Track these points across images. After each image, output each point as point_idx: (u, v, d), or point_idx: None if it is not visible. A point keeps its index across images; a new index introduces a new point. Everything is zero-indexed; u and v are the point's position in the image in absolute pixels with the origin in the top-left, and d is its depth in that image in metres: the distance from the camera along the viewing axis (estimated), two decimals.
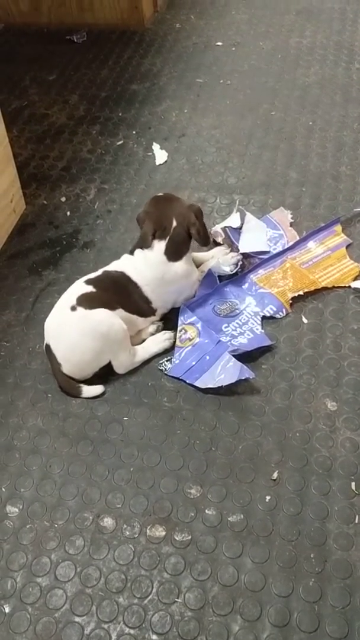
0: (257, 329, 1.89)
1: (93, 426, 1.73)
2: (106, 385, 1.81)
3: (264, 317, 1.93)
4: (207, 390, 1.75)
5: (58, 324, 1.79)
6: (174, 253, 1.85)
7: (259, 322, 1.91)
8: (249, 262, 2.07)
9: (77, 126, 2.80)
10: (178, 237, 1.85)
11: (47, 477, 1.63)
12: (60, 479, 1.62)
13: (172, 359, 1.83)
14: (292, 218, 2.23)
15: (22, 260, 2.22)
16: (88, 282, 1.83)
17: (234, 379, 1.72)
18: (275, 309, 1.94)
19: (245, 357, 1.81)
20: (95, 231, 2.30)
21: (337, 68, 3.01)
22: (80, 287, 1.82)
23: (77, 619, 1.39)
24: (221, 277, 2.02)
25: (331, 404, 1.72)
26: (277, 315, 1.93)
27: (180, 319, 1.90)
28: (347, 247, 2.13)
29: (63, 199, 2.45)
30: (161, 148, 2.62)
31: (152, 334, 1.90)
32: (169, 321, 1.95)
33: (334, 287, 2.00)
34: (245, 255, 2.07)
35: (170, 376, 1.80)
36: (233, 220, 2.14)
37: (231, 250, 2.09)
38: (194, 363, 1.80)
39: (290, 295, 1.97)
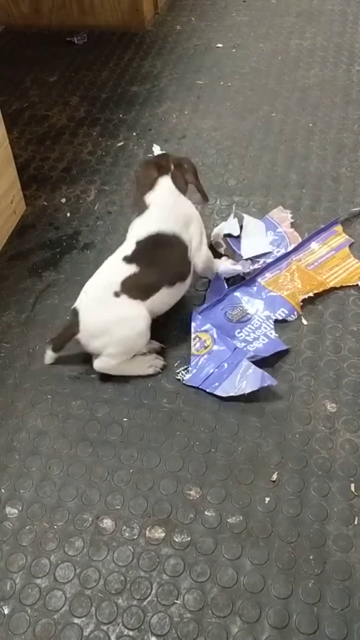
0: (271, 334, 1.88)
1: (93, 427, 1.73)
2: (106, 386, 1.82)
3: (276, 321, 1.92)
4: (227, 398, 1.74)
5: (99, 302, 1.76)
6: (181, 188, 1.90)
7: (272, 326, 1.91)
8: (253, 269, 2.07)
9: (77, 128, 2.81)
10: (178, 177, 1.91)
11: (47, 479, 1.63)
12: (60, 480, 1.62)
13: (189, 368, 1.82)
14: (292, 218, 2.23)
15: (22, 262, 2.23)
16: (128, 260, 1.77)
17: (256, 386, 1.71)
18: (287, 312, 1.94)
19: None
20: (96, 232, 2.30)
21: (337, 70, 3.01)
22: (121, 267, 1.77)
23: (76, 621, 1.39)
24: (228, 281, 2.02)
25: (331, 405, 1.72)
26: (289, 318, 1.93)
27: (193, 327, 1.89)
28: (350, 246, 2.13)
29: (63, 200, 2.45)
30: (161, 149, 2.62)
31: (144, 354, 1.84)
32: (170, 340, 1.96)
33: (342, 286, 2.01)
34: (250, 260, 2.07)
35: (188, 385, 1.79)
36: (231, 226, 2.13)
37: (234, 261, 2.08)
38: (211, 371, 1.79)
39: (300, 297, 1.97)
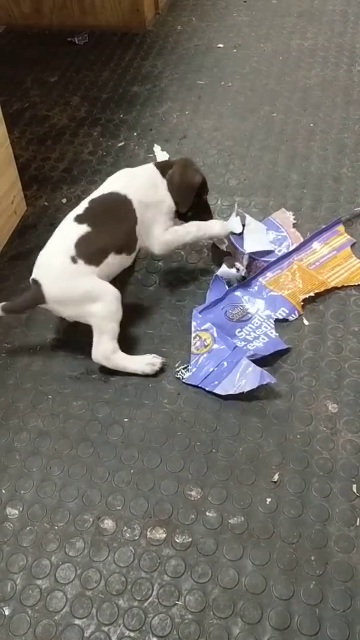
0: (271, 333, 1.88)
1: (93, 428, 1.72)
2: (107, 386, 1.81)
3: (276, 320, 1.92)
4: (226, 397, 1.74)
5: (59, 272, 1.76)
6: (168, 181, 1.96)
7: (273, 326, 1.90)
8: (256, 266, 2.06)
9: (78, 128, 2.81)
10: (170, 174, 1.96)
11: (48, 479, 1.63)
12: (61, 481, 1.62)
13: (189, 367, 1.82)
14: (294, 219, 2.22)
15: (23, 262, 2.22)
16: (80, 219, 1.82)
17: (255, 384, 1.71)
18: (287, 312, 1.94)
19: None
20: None
21: (338, 70, 3.01)
22: (73, 228, 1.80)
23: (77, 622, 1.39)
24: (229, 283, 2.02)
25: (332, 406, 1.72)
26: (290, 318, 1.93)
27: (193, 326, 1.89)
28: (352, 246, 2.13)
29: (64, 201, 2.45)
30: (162, 150, 2.62)
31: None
32: (170, 340, 1.95)
33: (343, 286, 2.00)
34: (252, 259, 2.07)
35: (188, 384, 1.79)
36: (233, 224, 2.13)
37: (235, 259, 2.07)
38: (211, 369, 1.79)
39: (301, 297, 1.97)
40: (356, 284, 2.01)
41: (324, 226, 2.18)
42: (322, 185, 2.39)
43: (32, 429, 1.74)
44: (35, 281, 1.79)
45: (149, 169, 2.00)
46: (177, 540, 1.49)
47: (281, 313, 1.93)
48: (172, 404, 1.76)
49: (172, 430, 1.70)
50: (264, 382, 1.71)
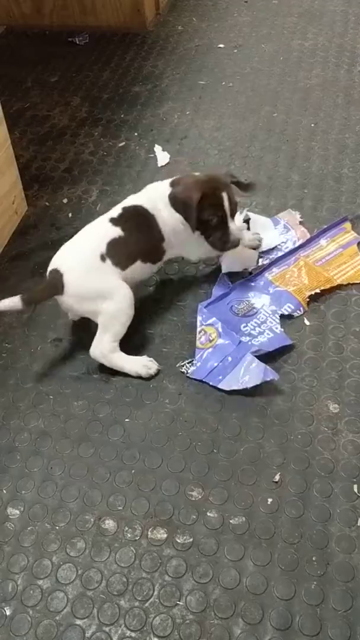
0: (276, 328, 1.89)
1: (94, 428, 1.72)
2: (108, 386, 1.81)
3: (281, 316, 1.92)
4: (229, 393, 1.74)
5: (86, 266, 1.78)
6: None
7: (278, 321, 1.91)
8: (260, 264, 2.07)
9: (79, 128, 2.81)
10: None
11: (48, 479, 1.62)
12: (62, 481, 1.62)
13: (194, 362, 1.82)
14: (300, 217, 2.23)
15: (24, 262, 2.22)
16: (115, 222, 1.84)
17: (258, 380, 1.72)
18: (292, 307, 1.94)
19: None
20: None
21: (339, 70, 3.01)
22: (108, 229, 1.83)
23: (78, 622, 1.39)
24: (232, 278, 2.02)
25: (333, 406, 1.72)
26: (295, 314, 1.93)
27: (199, 320, 1.90)
28: (358, 244, 2.13)
29: (65, 201, 2.45)
30: (163, 150, 2.62)
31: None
32: (171, 339, 1.95)
33: (348, 284, 2.01)
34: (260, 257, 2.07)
35: (192, 379, 1.79)
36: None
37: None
38: (215, 364, 1.79)
39: (307, 293, 1.97)
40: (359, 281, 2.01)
41: (332, 222, 2.19)
42: (323, 186, 2.39)
43: (33, 429, 1.73)
44: (56, 271, 1.78)
45: (163, 187, 1.91)
46: (178, 541, 1.49)
47: (287, 309, 1.93)
48: (173, 404, 1.76)
49: (173, 431, 1.70)
50: (268, 379, 1.72)
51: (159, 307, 2.01)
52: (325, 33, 3.28)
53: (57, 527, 1.53)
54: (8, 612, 1.41)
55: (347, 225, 2.19)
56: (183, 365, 1.82)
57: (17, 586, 1.45)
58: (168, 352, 1.88)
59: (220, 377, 1.76)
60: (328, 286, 1.99)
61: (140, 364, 1.82)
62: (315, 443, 1.64)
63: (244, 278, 2.03)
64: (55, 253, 2.19)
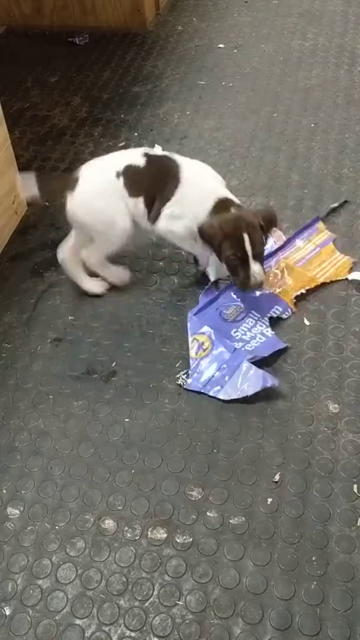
0: (267, 332, 1.88)
1: (94, 428, 1.72)
2: (108, 386, 1.81)
3: (270, 319, 1.92)
4: (230, 400, 1.74)
5: (99, 175, 1.94)
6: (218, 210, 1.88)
7: (267, 324, 1.90)
8: None
9: (79, 128, 2.81)
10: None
11: (48, 479, 1.62)
12: (61, 481, 1.62)
13: (189, 372, 1.81)
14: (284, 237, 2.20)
15: (24, 262, 2.22)
16: (138, 155, 1.95)
17: (258, 387, 1.71)
18: (281, 309, 1.94)
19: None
20: None
21: (339, 70, 3.01)
22: (131, 154, 1.97)
23: (77, 622, 1.39)
24: (217, 283, 2.02)
25: (333, 406, 1.72)
26: (284, 316, 1.93)
27: (190, 329, 1.89)
28: (333, 241, 2.14)
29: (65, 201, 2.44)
30: (163, 150, 2.62)
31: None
32: (171, 339, 1.95)
33: (332, 281, 2.01)
34: None
35: (190, 390, 1.78)
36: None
37: None
38: (212, 374, 1.78)
39: (293, 294, 1.97)
40: (343, 278, 2.02)
41: (304, 224, 2.20)
42: (323, 186, 2.39)
43: (33, 429, 1.73)
44: (78, 172, 1.96)
45: (211, 197, 1.91)
46: (178, 541, 1.49)
47: (275, 311, 1.93)
48: (173, 404, 1.76)
49: (173, 431, 1.70)
50: (268, 385, 1.71)
51: (159, 307, 2.01)
52: (325, 33, 3.28)
53: (56, 527, 1.53)
54: (8, 612, 1.41)
55: (320, 225, 2.20)
56: (179, 377, 1.80)
57: (16, 586, 1.45)
58: (168, 352, 1.88)
59: (219, 388, 1.75)
60: (313, 285, 2.00)
61: (117, 274, 2.05)
62: (315, 443, 1.64)
63: (230, 281, 2.01)
64: (55, 253, 2.20)
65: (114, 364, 1.87)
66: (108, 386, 1.81)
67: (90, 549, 1.49)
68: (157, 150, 2.03)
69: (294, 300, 1.96)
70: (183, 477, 1.60)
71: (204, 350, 1.83)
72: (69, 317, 2.00)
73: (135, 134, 2.73)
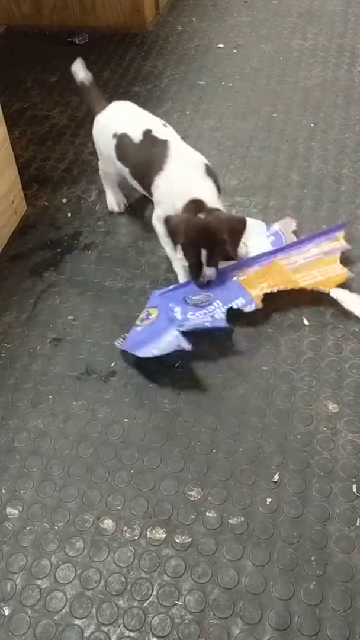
0: (218, 315, 1.87)
1: (93, 428, 1.72)
2: (107, 386, 1.81)
3: (230, 309, 1.89)
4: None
5: (109, 119, 2.20)
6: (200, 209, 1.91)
7: (224, 312, 1.88)
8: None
9: (78, 128, 2.81)
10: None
11: (47, 479, 1.62)
12: (61, 481, 1.62)
13: (126, 335, 1.88)
14: (296, 226, 2.16)
15: (23, 262, 2.22)
16: (146, 132, 2.07)
17: (171, 348, 1.76)
18: (244, 302, 1.91)
19: (246, 358, 1.82)
20: (97, 233, 2.30)
21: (339, 70, 3.01)
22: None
23: (76, 622, 1.39)
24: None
25: (332, 406, 1.72)
26: (245, 309, 1.89)
27: (147, 305, 1.95)
28: (342, 253, 2.06)
29: (64, 201, 2.45)
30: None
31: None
32: None
33: (313, 290, 1.94)
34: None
35: (121, 350, 1.85)
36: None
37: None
38: (144, 336, 1.83)
39: (266, 290, 1.92)
40: (326, 290, 1.93)
41: (325, 227, 2.13)
42: (322, 186, 2.39)
43: (32, 428, 1.73)
44: (105, 107, 2.24)
45: (186, 196, 1.92)
46: (177, 541, 1.49)
47: (237, 302, 1.91)
48: (172, 404, 1.76)
49: (172, 430, 1.70)
50: (182, 348, 1.75)
51: None
52: (325, 33, 3.28)
53: (55, 527, 1.53)
54: (7, 612, 1.41)
55: (340, 233, 2.09)
56: (117, 341, 1.88)
57: (15, 586, 1.45)
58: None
59: (143, 348, 1.80)
60: (290, 287, 1.93)
61: (114, 201, 2.34)
62: (315, 443, 1.64)
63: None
64: (54, 253, 2.20)
65: (113, 364, 1.87)
66: (107, 386, 1.81)
67: (89, 549, 1.49)
68: (167, 131, 2.10)
69: (262, 296, 1.92)
70: (182, 477, 1.60)
71: (149, 319, 1.88)
72: (69, 317, 2.00)
73: None
